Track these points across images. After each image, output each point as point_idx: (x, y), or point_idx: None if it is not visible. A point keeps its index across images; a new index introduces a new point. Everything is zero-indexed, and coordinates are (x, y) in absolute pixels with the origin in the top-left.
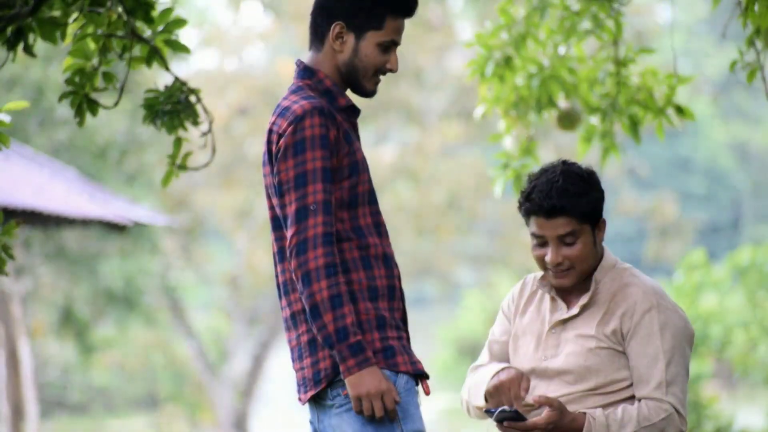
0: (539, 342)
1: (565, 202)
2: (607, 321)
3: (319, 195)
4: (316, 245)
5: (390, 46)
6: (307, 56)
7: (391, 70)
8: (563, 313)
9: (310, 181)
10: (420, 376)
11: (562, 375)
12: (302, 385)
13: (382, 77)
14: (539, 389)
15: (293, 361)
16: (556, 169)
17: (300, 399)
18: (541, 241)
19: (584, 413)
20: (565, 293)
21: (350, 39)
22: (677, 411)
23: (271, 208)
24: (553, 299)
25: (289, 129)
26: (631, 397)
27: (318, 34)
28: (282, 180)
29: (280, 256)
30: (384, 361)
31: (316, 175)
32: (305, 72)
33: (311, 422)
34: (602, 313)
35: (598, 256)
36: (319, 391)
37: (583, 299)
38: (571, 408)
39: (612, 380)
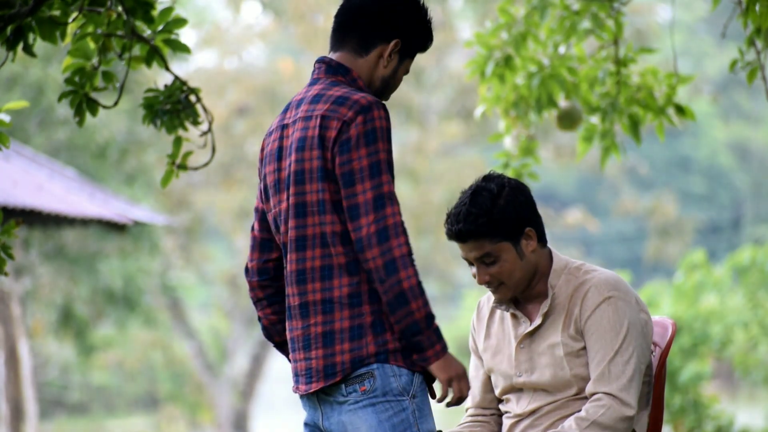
0: (510, 360)
1: (471, 226)
2: (569, 323)
3: (392, 185)
4: (398, 233)
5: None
6: (335, 55)
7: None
8: (527, 326)
9: (384, 170)
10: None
11: (543, 387)
12: (306, 375)
13: None
14: (522, 403)
15: (295, 350)
16: (469, 190)
17: (299, 389)
18: (469, 262)
19: None
20: (524, 306)
21: (396, 59)
22: (617, 398)
23: (297, 194)
24: (513, 315)
25: (359, 118)
26: None
27: (366, 40)
28: (354, 168)
29: (299, 244)
30: (402, 360)
31: (386, 166)
32: (339, 69)
33: (306, 423)
34: (563, 317)
35: (530, 266)
36: (328, 387)
37: (543, 307)
38: (557, 414)
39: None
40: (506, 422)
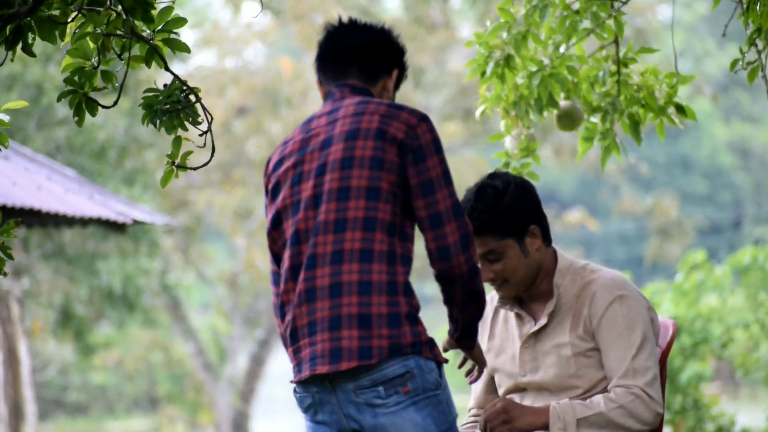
0: (515, 359)
1: (475, 222)
2: (577, 324)
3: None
4: (473, 239)
5: None
6: (351, 80)
7: None
8: (532, 325)
9: (451, 178)
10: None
11: (547, 387)
12: (331, 356)
13: None
14: (528, 398)
15: (314, 333)
16: (474, 187)
17: (315, 370)
18: None
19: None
20: (528, 305)
21: (391, 89)
22: (646, 393)
23: (341, 179)
24: (518, 315)
25: (423, 126)
26: None
27: (371, 72)
28: (432, 177)
29: (338, 226)
30: (430, 351)
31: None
32: (364, 91)
33: (317, 418)
34: (571, 317)
35: (534, 264)
36: (354, 375)
37: (549, 307)
38: None
39: (598, 381)
40: None
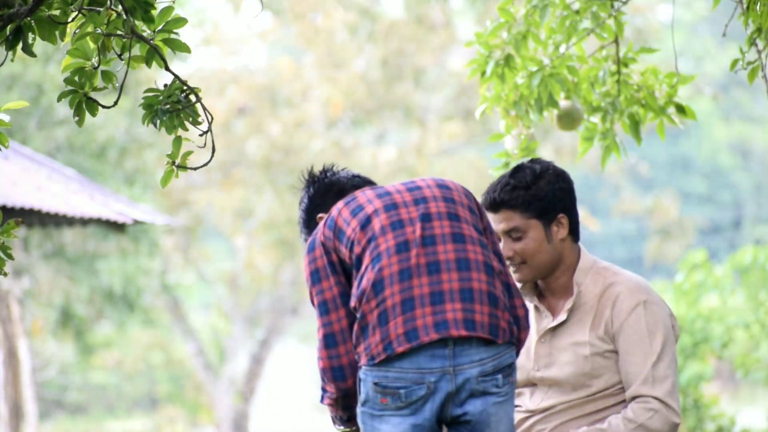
0: (529, 353)
1: (506, 196)
2: (598, 324)
3: None
4: None
5: None
6: None
7: None
8: (550, 321)
9: None
10: None
11: (560, 384)
12: (465, 323)
13: None
14: (536, 399)
15: (442, 302)
16: (514, 166)
17: (450, 333)
18: (498, 237)
19: None
20: (548, 300)
21: None
22: (665, 403)
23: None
24: (536, 308)
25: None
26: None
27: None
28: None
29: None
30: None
31: None
32: None
33: (417, 421)
34: (592, 317)
35: (556, 252)
36: (481, 369)
37: (569, 303)
38: (570, 414)
39: (612, 383)
40: (516, 416)
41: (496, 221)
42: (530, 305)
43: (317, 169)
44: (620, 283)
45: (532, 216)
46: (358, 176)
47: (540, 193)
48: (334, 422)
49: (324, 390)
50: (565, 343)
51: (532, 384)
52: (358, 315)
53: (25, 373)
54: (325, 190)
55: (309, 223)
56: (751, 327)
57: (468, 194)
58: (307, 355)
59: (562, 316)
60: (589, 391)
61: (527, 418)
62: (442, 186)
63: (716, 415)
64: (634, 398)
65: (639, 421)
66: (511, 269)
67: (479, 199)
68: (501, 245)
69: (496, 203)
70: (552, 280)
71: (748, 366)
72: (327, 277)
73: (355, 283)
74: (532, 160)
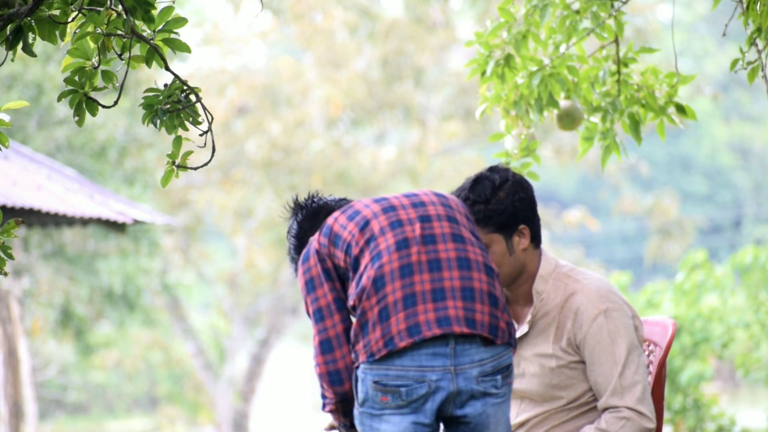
0: None
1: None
2: (560, 336)
3: None
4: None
5: None
6: None
7: None
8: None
9: None
10: None
11: (529, 396)
12: (467, 321)
13: None
14: (513, 408)
15: (444, 299)
16: (472, 177)
17: (453, 329)
18: None
19: None
20: (511, 308)
21: None
22: (636, 411)
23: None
24: None
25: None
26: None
27: None
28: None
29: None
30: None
31: None
32: None
33: (419, 420)
34: (555, 328)
35: (518, 263)
36: (480, 369)
37: (528, 316)
38: (545, 425)
39: (582, 392)
40: None
41: None
42: None
43: (302, 197)
44: (580, 291)
45: (492, 231)
46: (344, 199)
47: (500, 207)
48: (340, 430)
49: (324, 397)
50: (529, 354)
51: None
52: (357, 313)
53: (25, 373)
54: (314, 214)
55: (299, 249)
56: (751, 327)
57: (464, 206)
58: (307, 355)
59: (524, 328)
60: (561, 402)
61: None
62: (440, 195)
63: (716, 415)
64: (605, 409)
65: (612, 431)
66: None
67: None
68: None
69: None
70: (515, 288)
71: (748, 366)
72: (321, 284)
73: (353, 283)
74: (492, 169)
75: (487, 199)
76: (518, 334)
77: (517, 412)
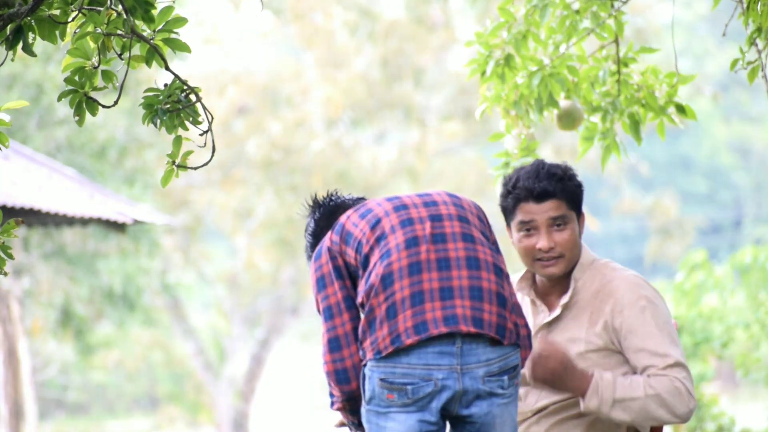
0: None
1: (555, 184)
2: (596, 320)
3: None
4: None
5: None
6: None
7: None
8: (545, 315)
9: None
10: None
11: None
12: (473, 321)
13: None
14: (532, 395)
15: (451, 297)
16: (534, 162)
17: (460, 328)
18: (531, 228)
19: (593, 373)
20: (545, 295)
21: None
22: (686, 388)
23: (462, 226)
24: (533, 302)
25: None
26: None
27: None
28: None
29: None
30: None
31: None
32: None
33: (425, 417)
34: (589, 313)
35: (580, 249)
36: (487, 369)
37: (564, 299)
38: (562, 414)
39: None
40: None
41: (541, 210)
42: (527, 299)
43: (321, 195)
44: (618, 278)
45: (571, 208)
46: (362, 198)
47: (575, 187)
48: (350, 429)
49: (331, 395)
50: (561, 339)
51: (526, 383)
52: (365, 310)
53: (25, 372)
54: (331, 212)
55: (316, 247)
56: (751, 327)
57: (478, 207)
58: (307, 355)
59: (556, 311)
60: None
61: (521, 421)
62: (453, 196)
63: (716, 415)
64: (660, 372)
65: (658, 391)
66: (538, 266)
67: (510, 195)
68: (538, 238)
69: (546, 192)
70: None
71: (748, 366)
72: (332, 282)
73: (362, 281)
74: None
75: (564, 177)
76: (550, 318)
77: (536, 399)
